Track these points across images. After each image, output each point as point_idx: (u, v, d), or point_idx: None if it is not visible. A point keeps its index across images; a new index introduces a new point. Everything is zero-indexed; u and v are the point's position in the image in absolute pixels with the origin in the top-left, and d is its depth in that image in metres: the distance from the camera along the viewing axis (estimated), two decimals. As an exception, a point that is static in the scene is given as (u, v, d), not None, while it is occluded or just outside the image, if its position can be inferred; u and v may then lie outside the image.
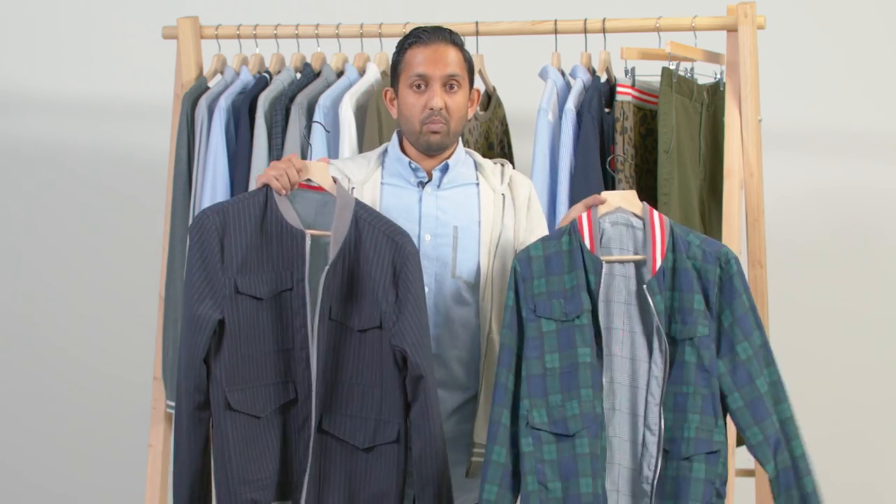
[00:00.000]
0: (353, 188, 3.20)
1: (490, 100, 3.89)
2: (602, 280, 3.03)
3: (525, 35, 3.78)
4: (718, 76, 3.85)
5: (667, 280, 3.04)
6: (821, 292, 4.55)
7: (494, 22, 3.78)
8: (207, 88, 3.84)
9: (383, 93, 3.27)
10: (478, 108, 3.82)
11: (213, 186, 3.71)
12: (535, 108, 3.64)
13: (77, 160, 4.78)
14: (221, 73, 3.90)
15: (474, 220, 3.21)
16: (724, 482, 3.03)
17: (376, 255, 3.03)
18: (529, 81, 3.78)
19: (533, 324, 3.05)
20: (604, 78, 3.74)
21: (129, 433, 4.60)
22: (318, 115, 3.68)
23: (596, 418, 3.00)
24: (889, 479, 4.56)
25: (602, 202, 3.09)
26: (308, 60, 3.88)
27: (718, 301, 3.04)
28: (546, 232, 3.31)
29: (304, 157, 3.69)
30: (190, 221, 3.74)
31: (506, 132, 3.94)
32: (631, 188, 3.59)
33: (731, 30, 3.63)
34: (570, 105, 3.58)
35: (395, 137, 3.24)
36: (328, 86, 3.77)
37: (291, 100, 3.74)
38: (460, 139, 3.26)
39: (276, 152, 3.72)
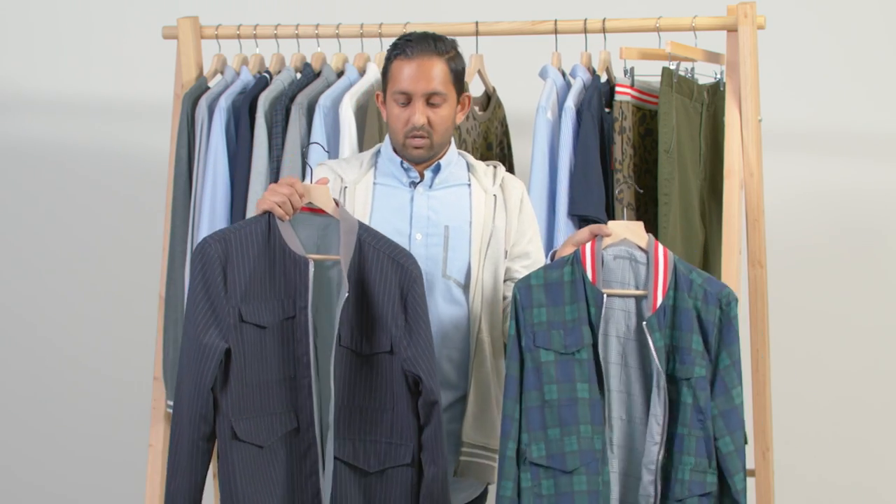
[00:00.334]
0: (346, 188, 3.20)
1: (490, 100, 3.89)
2: (602, 313, 3.02)
3: (525, 35, 3.78)
4: (718, 76, 3.85)
5: (667, 318, 3.03)
6: (821, 292, 4.54)
7: (494, 22, 3.78)
8: (207, 88, 3.84)
9: (376, 96, 3.29)
10: (476, 109, 3.82)
11: (213, 186, 3.71)
12: (535, 108, 3.63)
13: (77, 160, 4.78)
14: (221, 73, 3.89)
15: (465, 220, 3.22)
16: None
17: (383, 279, 3.02)
18: (529, 81, 3.78)
19: (531, 354, 3.04)
20: (604, 78, 3.73)
21: (129, 433, 4.60)
22: (318, 115, 3.68)
23: (595, 455, 3.00)
24: (890, 482, 4.55)
25: (608, 234, 3.07)
26: (308, 60, 3.87)
27: (717, 342, 3.03)
28: (538, 234, 3.33)
29: (303, 157, 3.68)
30: (190, 221, 3.74)
31: (505, 133, 3.94)
32: (630, 188, 3.59)
33: (731, 30, 3.63)
34: (570, 103, 3.58)
35: (387, 138, 3.25)
36: (328, 86, 3.77)
37: (291, 100, 3.73)
38: (453, 140, 3.26)
39: (276, 152, 3.71)
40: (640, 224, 3.10)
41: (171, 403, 3.75)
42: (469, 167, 3.28)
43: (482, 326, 3.19)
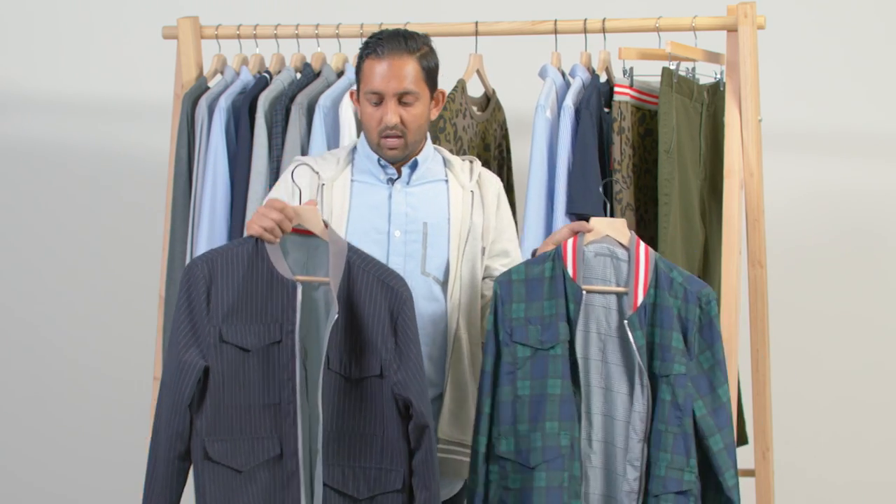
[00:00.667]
0: (323, 185, 3.20)
1: (489, 101, 3.89)
2: (581, 309, 3.03)
3: (525, 35, 3.78)
4: (718, 76, 3.85)
5: (648, 316, 3.04)
6: (821, 292, 4.54)
7: (494, 22, 3.78)
8: (207, 88, 3.84)
9: (350, 93, 3.29)
10: (475, 109, 3.81)
11: (213, 186, 3.71)
12: (534, 107, 3.63)
13: (77, 160, 4.78)
14: (221, 73, 3.89)
15: (444, 217, 3.23)
16: None
17: (371, 301, 2.99)
18: (529, 81, 3.78)
19: (508, 349, 3.06)
20: (603, 78, 3.73)
21: (128, 434, 4.59)
22: (318, 115, 3.68)
23: (559, 451, 3.01)
24: (889, 481, 4.55)
25: (589, 230, 3.09)
26: (308, 60, 3.87)
27: (697, 341, 3.04)
28: (514, 231, 3.35)
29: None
30: (190, 221, 3.74)
31: (505, 136, 3.94)
32: (629, 188, 3.59)
33: (731, 30, 3.63)
34: (569, 102, 3.58)
35: (363, 135, 3.25)
36: (328, 86, 3.77)
37: (291, 100, 3.73)
38: (428, 135, 3.27)
39: (276, 152, 3.71)
40: (623, 221, 3.11)
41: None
42: (445, 162, 3.29)
43: (460, 323, 3.20)
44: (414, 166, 3.23)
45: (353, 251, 3.02)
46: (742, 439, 3.87)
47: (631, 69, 3.65)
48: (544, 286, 3.06)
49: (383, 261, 3.16)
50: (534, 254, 3.17)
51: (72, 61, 4.77)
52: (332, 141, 3.69)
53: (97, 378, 4.77)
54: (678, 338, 3.02)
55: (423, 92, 3.17)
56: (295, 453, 2.94)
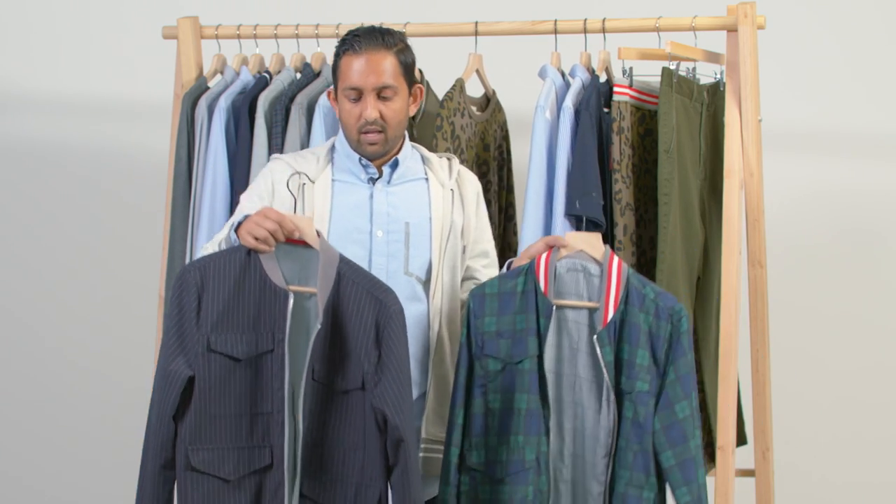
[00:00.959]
0: (304, 185, 3.19)
1: (489, 102, 3.89)
2: (552, 324, 3.03)
3: (525, 35, 3.77)
4: (718, 76, 3.85)
5: (616, 332, 3.05)
6: (821, 292, 4.54)
7: (494, 22, 3.78)
8: (207, 88, 3.84)
9: (327, 93, 3.30)
10: (474, 108, 3.81)
11: (213, 186, 3.71)
12: (534, 108, 3.63)
13: (76, 161, 4.78)
14: (221, 73, 3.89)
15: (425, 216, 3.24)
16: None
17: (358, 314, 2.97)
18: (529, 81, 3.78)
19: (479, 362, 3.09)
20: (603, 78, 3.73)
21: (128, 434, 4.59)
22: (318, 115, 3.68)
23: (524, 465, 3.03)
24: (890, 481, 4.55)
25: (564, 244, 3.10)
26: (308, 60, 3.87)
27: (665, 357, 3.04)
28: (491, 232, 3.37)
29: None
30: (190, 221, 3.74)
31: (505, 137, 3.93)
32: (628, 188, 3.59)
33: (731, 30, 3.63)
34: (568, 103, 3.58)
35: (341, 133, 3.24)
36: (328, 86, 3.77)
37: (291, 100, 3.73)
38: (406, 133, 3.27)
39: (275, 152, 3.71)
40: (598, 236, 3.12)
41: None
42: (424, 160, 3.30)
43: (442, 322, 3.21)
44: (395, 165, 3.23)
45: (345, 263, 3.00)
46: (742, 439, 3.87)
47: (631, 69, 3.65)
48: (516, 300, 3.08)
49: (366, 261, 3.16)
50: (508, 266, 3.19)
51: (71, 61, 4.77)
52: (332, 141, 3.69)
53: (97, 378, 4.77)
54: (644, 355, 3.03)
55: (401, 87, 3.18)
56: (282, 463, 2.93)
